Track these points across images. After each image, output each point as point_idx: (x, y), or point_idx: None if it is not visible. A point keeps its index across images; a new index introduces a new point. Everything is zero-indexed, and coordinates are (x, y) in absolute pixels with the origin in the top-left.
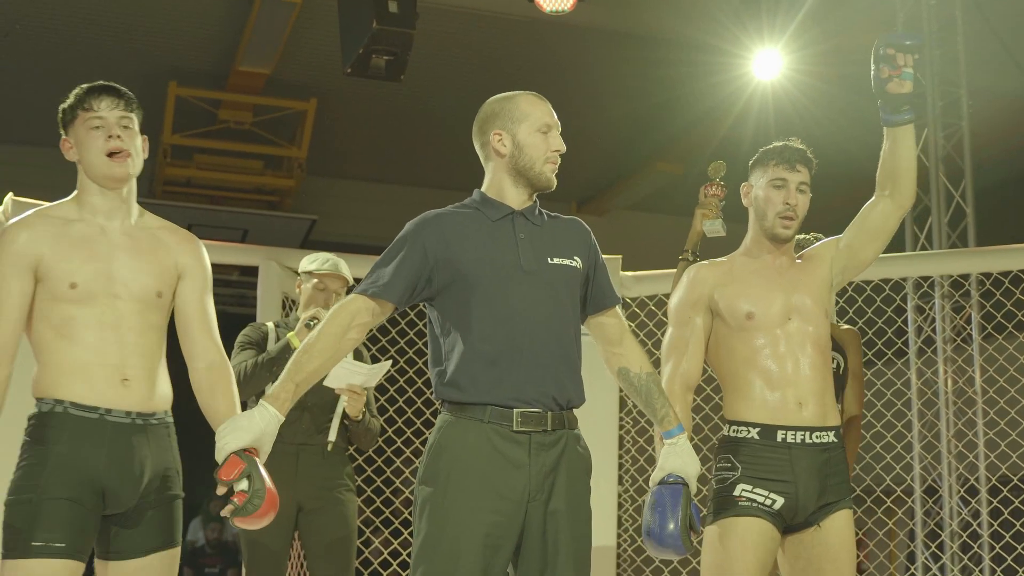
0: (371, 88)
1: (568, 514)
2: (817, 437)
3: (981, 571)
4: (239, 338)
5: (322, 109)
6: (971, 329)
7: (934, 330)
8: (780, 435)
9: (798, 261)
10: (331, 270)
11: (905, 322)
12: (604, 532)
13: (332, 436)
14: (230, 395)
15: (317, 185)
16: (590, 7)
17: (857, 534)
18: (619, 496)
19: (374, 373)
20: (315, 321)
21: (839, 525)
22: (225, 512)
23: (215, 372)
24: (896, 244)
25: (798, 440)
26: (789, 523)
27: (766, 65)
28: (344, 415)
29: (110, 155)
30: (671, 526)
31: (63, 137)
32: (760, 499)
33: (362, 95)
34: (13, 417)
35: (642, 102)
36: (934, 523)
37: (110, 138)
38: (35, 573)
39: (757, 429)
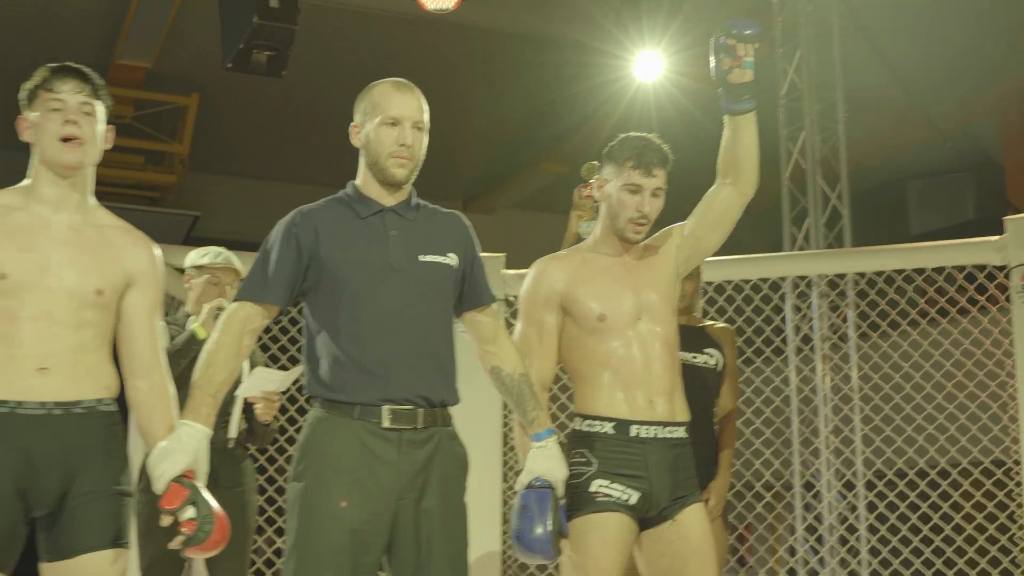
0: (254, 84)
1: (441, 513)
2: (670, 432)
3: (859, 563)
4: None
5: (204, 104)
6: (847, 327)
7: (812, 328)
8: (634, 430)
9: (645, 253)
10: (224, 263)
11: (783, 320)
12: (488, 531)
13: (232, 432)
14: (169, 419)
15: (199, 181)
16: (474, 7)
17: (737, 529)
18: (504, 493)
19: (289, 377)
20: (220, 311)
21: (696, 518)
22: (175, 544)
23: (156, 393)
24: (774, 244)
25: (651, 435)
26: (643, 517)
27: (647, 67)
28: (247, 414)
29: (64, 140)
30: (539, 530)
31: (20, 116)
32: (617, 494)
33: (245, 91)
34: None
35: (527, 103)
36: (813, 517)
37: (66, 123)
38: None
39: (612, 424)
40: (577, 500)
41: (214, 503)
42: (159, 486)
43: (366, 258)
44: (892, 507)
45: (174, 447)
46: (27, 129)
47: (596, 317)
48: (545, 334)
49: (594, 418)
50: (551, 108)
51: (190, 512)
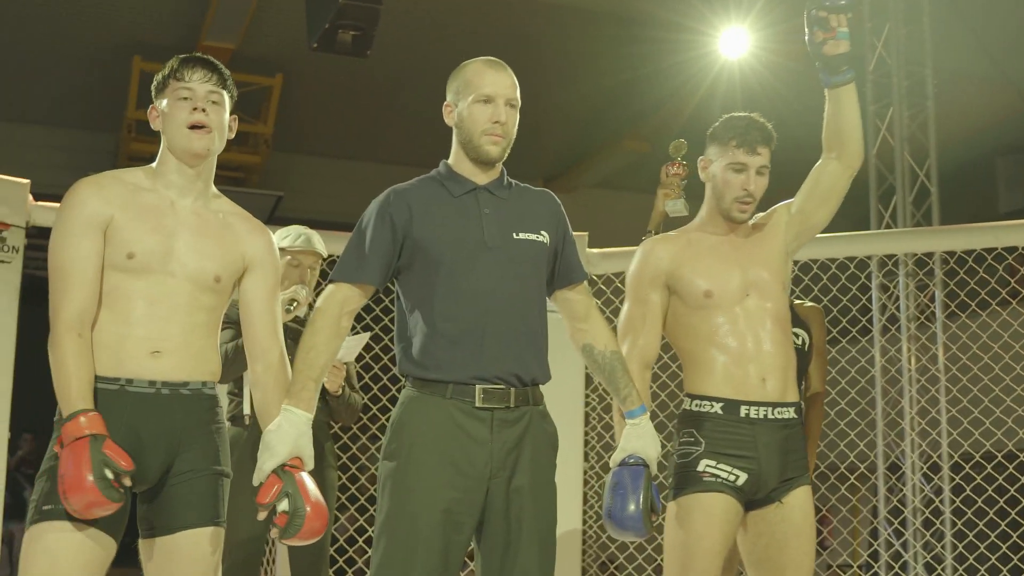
0: (338, 64)
1: (532, 491)
2: (779, 412)
3: (943, 548)
4: None
5: (288, 85)
6: (935, 307)
7: (898, 308)
8: (744, 410)
9: (752, 232)
10: (304, 246)
11: (870, 300)
12: (570, 509)
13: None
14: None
15: (283, 161)
16: None
17: (821, 510)
18: (585, 473)
19: (352, 346)
20: (294, 304)
21: (801, 501)
22: (272, 535)
23: (271, 375)
24: (861, 222)
25: (761, 415)
26: (750, 498)
27: (733, 43)
28: (324, 390)
29: (192, 128)
30: (632, 508)
31: (152, 105)
32: (724, 475)
33: (329, 71)
34: None
35: (610, 80)
36: (897, 500)
37: (195, 111)
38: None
39: (720, 404)
40: (684, 479)
41: (312, 490)
42: (259, 479)
43: (460, 236)
44: (979, 490)
45: (273, 439)
46: (156, 118)
47: (702, 293)
48: (650, 312)
49: (703, 398)
50: (633, 85)
51: (283, 505)
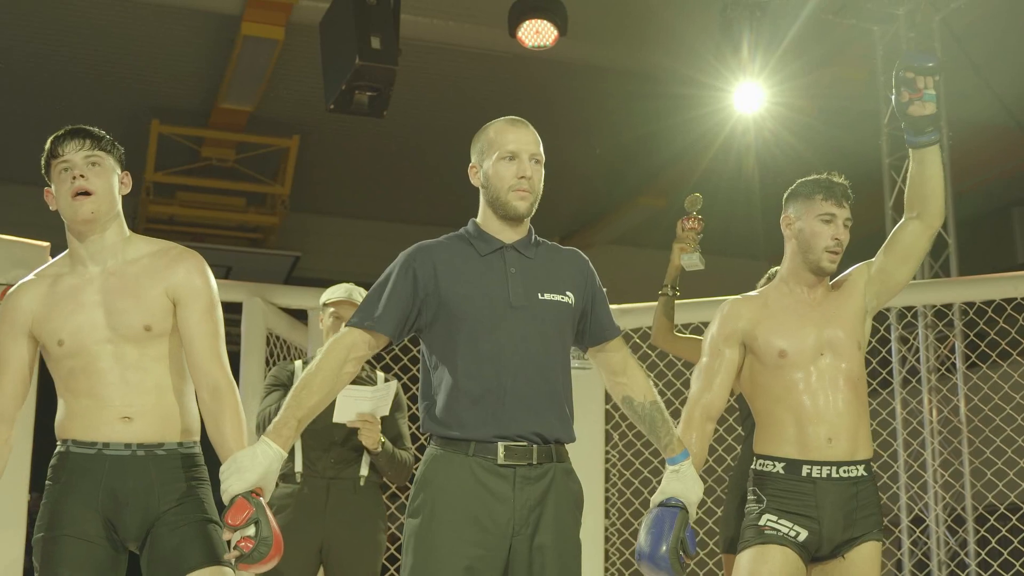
0: (354, 124)
1: (555, 548)
2: (845, 471)
3: None
4: (266, 379)
5: (304, 146)
6: (955, 358)
7: (918, 360)
8: (806, 470)
9: (831, 291)
10: (343, 296)
11: (889, 352)
12: (592, 566)
13: (363, 470)
14: (236, 424)
15: (300, 221)
16: (572, 42)
17: None
18: (606, 530)
19: (381, 397)
20: None
21: (864, 556)
22: (230, 557)
23: (218, 399)
24: None
25: (824, 474)
26: (814, 554)
27: (747, 98)
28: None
29: (75, 196)
30: (663, 548)
31: (47, 190)
32: (785, 529)
33: (344, 131)
34: None
35: (624, 136)
36: (922, 553)
37: (75, 179)
38: None
39: (783, 464)
40: (747, 532)
41: (274, 524)
42: (224, 499)
43: (485, 295)
44: (1004, 542)
45: (245, 464)
46: (52, 200)
47: (777, 352)
48: (722, 367)
49: (767, 458)
50: (648, 141)
51: (250, 531)
